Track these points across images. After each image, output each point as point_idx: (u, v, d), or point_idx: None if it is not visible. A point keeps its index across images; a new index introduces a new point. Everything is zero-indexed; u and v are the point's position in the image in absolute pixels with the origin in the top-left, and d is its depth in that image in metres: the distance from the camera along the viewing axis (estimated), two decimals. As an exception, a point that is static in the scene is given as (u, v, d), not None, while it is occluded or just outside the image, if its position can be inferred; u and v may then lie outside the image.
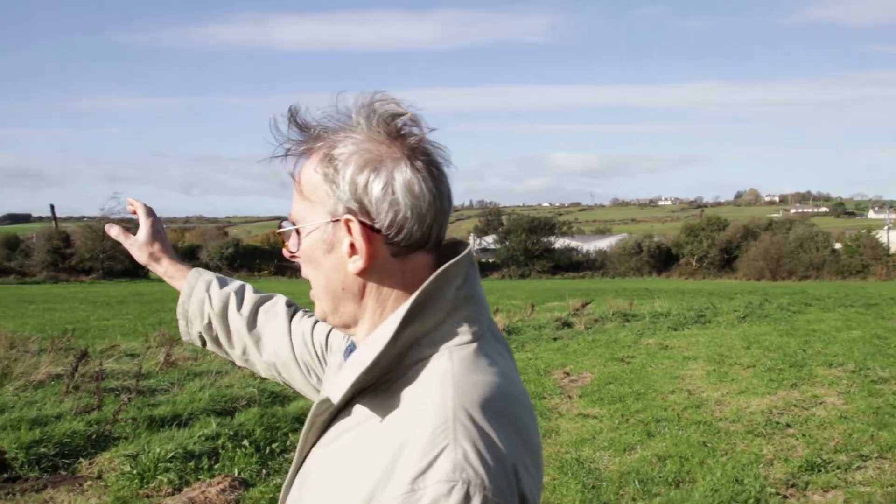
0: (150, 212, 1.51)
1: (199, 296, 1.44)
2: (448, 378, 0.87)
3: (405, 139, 0.93)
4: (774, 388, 8.19)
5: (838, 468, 5.28)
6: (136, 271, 39.69)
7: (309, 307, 1.39)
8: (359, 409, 0.92)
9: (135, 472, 4.82)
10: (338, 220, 0.93)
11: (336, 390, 0.92)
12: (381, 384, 0.91)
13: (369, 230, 0.91)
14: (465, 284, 0.95)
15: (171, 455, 5.03)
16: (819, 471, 5.23)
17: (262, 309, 1.43)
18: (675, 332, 13.52)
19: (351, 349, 1.09)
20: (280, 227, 1.03)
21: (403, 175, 0.91)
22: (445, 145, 0.97)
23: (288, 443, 5.70)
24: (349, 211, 0.92)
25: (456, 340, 0.91)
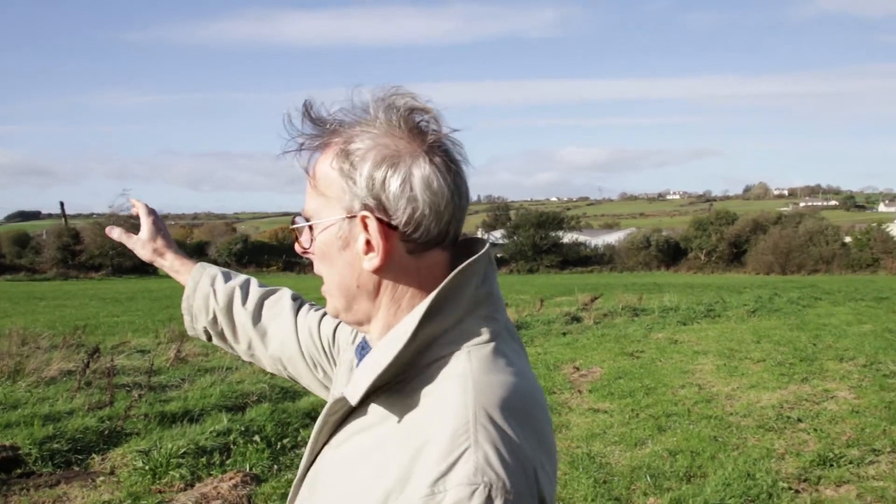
0: (150, 211, 1.52)
1: (203, 291, 1.43)
2: (468, 379, 0.85)
3: (424, 134, 0.91)
4: (785, 382, 8.15)
5: (851, 463, 5.25)
6: (146, 268, 39.78)
7: (317, 302, 1.38)
8: (374, 409, 0.91)
9: (147, 467, 4.84)
10: (354, 217, 0.91)
11: (354, 390, 0.90)
12: (396, 383, 0.89)
13: (386, 227, 0.90)
14: (484, 283, 0.94)
15: (182, 451, 5.05)
16: (831, 465, 5.21)
17: (267, 303, 1.41)
18: (684, 327, 13.47)
19: (363, 346, 1.07)
20: (293, 222, 1.01)
21: (422, 171, 0.89)
22: (462, 141, 0.95)
23: (299, 438, 5.71)
24: (366, 207, 0.90)
25: (474, 340, 0.90)
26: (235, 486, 4.62)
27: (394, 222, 0.90)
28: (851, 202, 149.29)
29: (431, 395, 0.87)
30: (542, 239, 50.90)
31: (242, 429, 5.70)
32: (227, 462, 5.13)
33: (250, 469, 5.00)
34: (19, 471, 4.87)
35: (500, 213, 57.09)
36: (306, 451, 1.02)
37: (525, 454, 0.82)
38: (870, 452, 5.50)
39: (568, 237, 52.84)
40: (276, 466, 5.11)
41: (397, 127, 0.91)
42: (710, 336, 12.04)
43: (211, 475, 4.86)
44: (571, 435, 6.08)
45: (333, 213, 0.93)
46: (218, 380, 7.45)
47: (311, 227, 0.97)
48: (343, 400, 0.91)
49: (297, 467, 1.04)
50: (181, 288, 1.47)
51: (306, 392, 6.80)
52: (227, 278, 1.45)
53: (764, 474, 5.01)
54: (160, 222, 1.52)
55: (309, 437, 1.04)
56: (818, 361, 9.39)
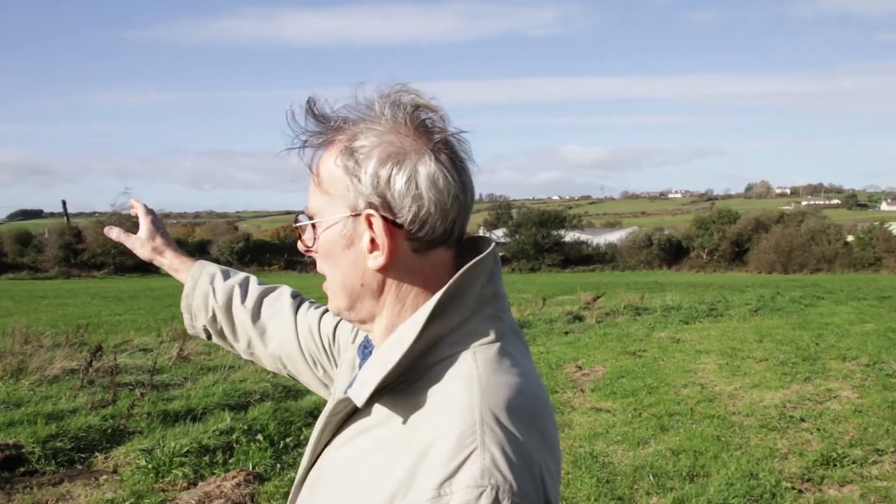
0: (148, 210, 1.52)
1: (202, 289, 1.42)
2: (473, 380, 0.84)
3: (429, 132, 0.90)
4: (788, 381, 8.14)
5: (854, 462, 5.24)
6: (148, 266, 39.65)
7: (319, 301, 1.37)
8: (378, 410, 0.90)
9: (150, 466, 4.84)
10: (358, 215, 0.90)
11: (360, 391, 0.89)
12: (401, 383, 0.88)
13: (391, 225, 0.89)
14: (490, 282, 0.93)
15: (185, 449, 5.05)
16: (834, 465, 5.19)
17: (266, 301, 1.40)
18: (686, 326, 13.46)
19: (366, 345, 1.06)
20: (296, 220, 1.00)
21: (427, 168, 0.88)
22: (467, 139, 0.94)
23: (301, 437, 5.71)
24: (370, 205, 0.89)
25: (480, 340, 0.89)
26: (238, 484, 4.62)
27: (399, 221, 0.89)
28: (854, 201, 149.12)
29: (437, 395, 0.85)
30: (544, 238, 50.87)
31: (245, 428, 5.70)
32: (230, 461, 5.13)
33: (253, 468, 5.00)
34: (22, 469, 4.88)
35: (502, 211, 56.97)
36: (307, 452, 1.00)
37: (532, 456, 0.81)
38: (873, 452, 5.48)
39: (570, 236, 52.80)
40: (278, 465, 5.11)
41: (403, 124, 0.90)
42: (712, 335, 12.03)
43: (214, 474, 4.86)
44: (574, 434, 6.08)
45: (337, 211, 0.92)
46: (220, 378, 7.46)
47: (314, 226, 0.96)
48: (347, 400, 0.90)
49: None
50: (182, 286, 1.47)
51: (309, 391, 6.79)
52: (226, 276, 1.44)
53: (767, 474, 5.01)
54: (158, 221, 1.52)
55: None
56: (821, 361, 9.38)
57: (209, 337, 1.44)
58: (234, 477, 4.73)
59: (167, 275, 1.55)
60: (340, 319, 1.31)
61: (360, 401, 0.88)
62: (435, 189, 0.88)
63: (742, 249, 48.33)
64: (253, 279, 1.45)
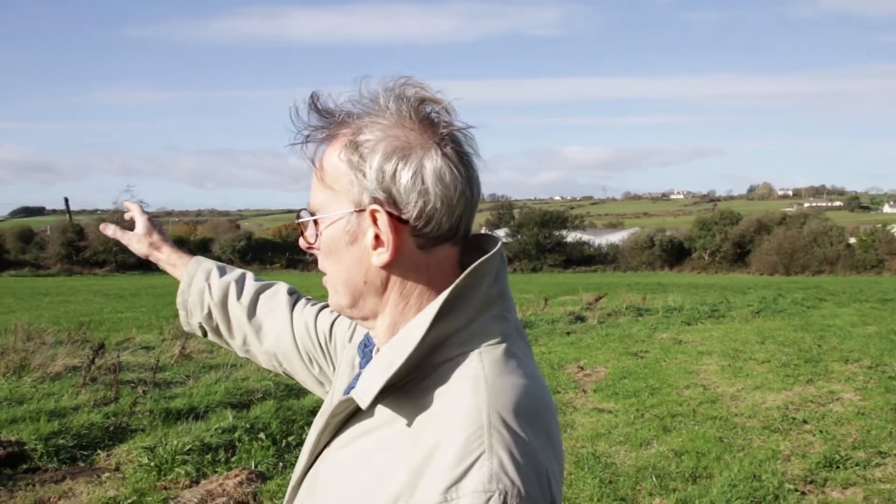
0: (143, 211, 1.52)
1: (198, 286, 1.41)
2: (480, 381, 0.83)
3: (435, 126, 0.88)
4: (790, 383, 8.12)
5: (857, 465, 5.23)
6: (150, 264, 38.79)
7: (321, 299, 1.36)
8: (381, 411, 0.88)
9: (152, 464, 4.84)
10: (363, 210, 0.88)
11: (364, 392, 0.86)
12: (406, 384, 0.86)
13: (396, 221, 0.87)
14: (496, 282, 0.91)
15: (188, 448, 5.05)
16: (837, 467, 5.18)
17: (262, 297, 1.39)
18: (688, 327, 13.44)
19: (366, 344, 1.05)
20: (299, 216, 0.98)
21: (434, 163, 0.86)
22: (473, 134, 0.91)
23: (304, 436, 5.70)
24: (375, 200, 0.87)
25: (486, 340, 0.87)
26: (241, 483, 4.62)
27: (404, 216, 0.87)
28: (856, 203, 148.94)
29: (443, 396, 0.84)
30: (545, 238, 50.81)
31: (247, 426, 5.70)
32: (233, 459, 5.13)
33: (255, 466, 4.99)
34: (25, 466, 4.88)
35: (503, 211, 56.94)
36: (304, 453, 0.98)
37: (538, 458, 0.80)
38: (876, 454, 5.47)
39: (572, 236, 52.72)
40: (280, 464, 5.10)
41: (408, 118, 0.88)
42: (714, 336, 12.01)
43: (216, 472, 4.86)
44: (576, 435, 6.07)
45: (341, 206, 0.90)
46: (223, 377, 7.45)
47: (316, 222, 0.94)
48: (349, 401, 0.89)
49: (302, 466, 1.02)
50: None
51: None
52: (222, 273, 1.42)
53: (770, 476, 4.99)
54: (155, 220, 1.53)
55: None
56: (823, 363, 9.36)
57: (205, 334, 1.43)
58: (236, 475, 4.73)
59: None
60: (337, 316, 1.29)
61: (364, 402, 0.86)
62: (441, 184, 0.86)
63: (744, 251, 48.24)
64: (249, 276, 1.44)
